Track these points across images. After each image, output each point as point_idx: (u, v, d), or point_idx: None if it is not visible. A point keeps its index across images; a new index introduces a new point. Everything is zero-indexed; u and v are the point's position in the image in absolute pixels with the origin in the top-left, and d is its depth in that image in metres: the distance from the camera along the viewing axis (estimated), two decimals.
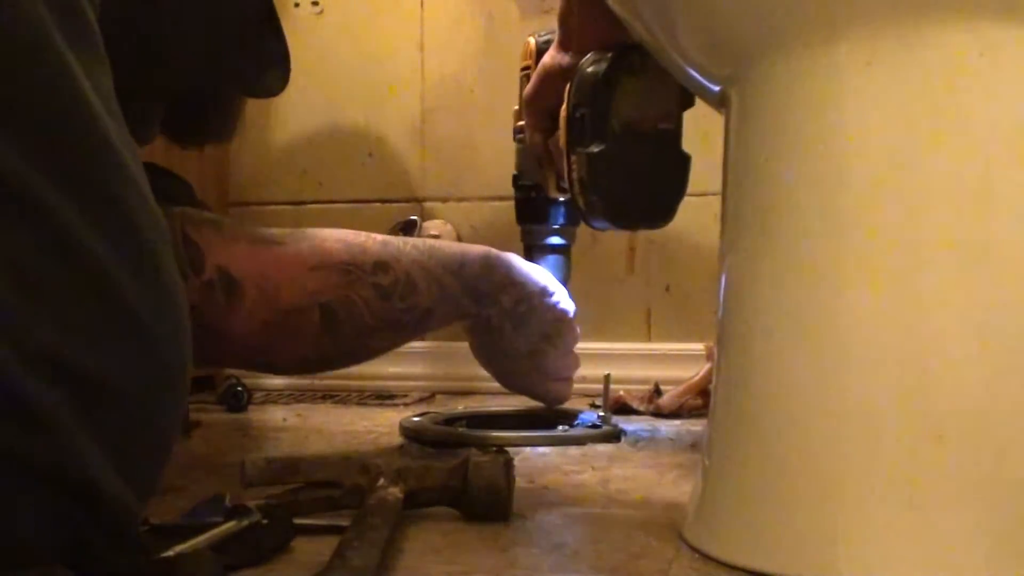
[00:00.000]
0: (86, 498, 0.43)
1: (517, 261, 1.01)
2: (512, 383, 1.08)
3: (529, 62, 1.08)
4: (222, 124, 1.26)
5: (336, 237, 0.91)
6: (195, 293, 0.82)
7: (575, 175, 0.88)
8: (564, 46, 0.96)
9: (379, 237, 0.94)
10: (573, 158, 0.88)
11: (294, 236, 0.90)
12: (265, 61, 1.01)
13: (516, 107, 1.11)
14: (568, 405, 1.09)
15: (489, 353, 1.05)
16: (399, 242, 0.94)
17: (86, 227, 0.44)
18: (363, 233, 0.94)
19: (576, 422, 1.04)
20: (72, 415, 0.42)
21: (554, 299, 1.02)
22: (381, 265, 0.91)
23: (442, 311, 0.96)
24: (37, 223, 0.42)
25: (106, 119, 0.47)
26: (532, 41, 1.08)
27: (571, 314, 1.05)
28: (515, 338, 1.01)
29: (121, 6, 0.52)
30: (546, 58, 0.99)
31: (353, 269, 0.89)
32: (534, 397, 1.07)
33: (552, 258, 1.09)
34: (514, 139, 1.11)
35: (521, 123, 1.07)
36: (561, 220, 1.10)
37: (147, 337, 0.47)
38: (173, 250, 0.51)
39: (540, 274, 1.03)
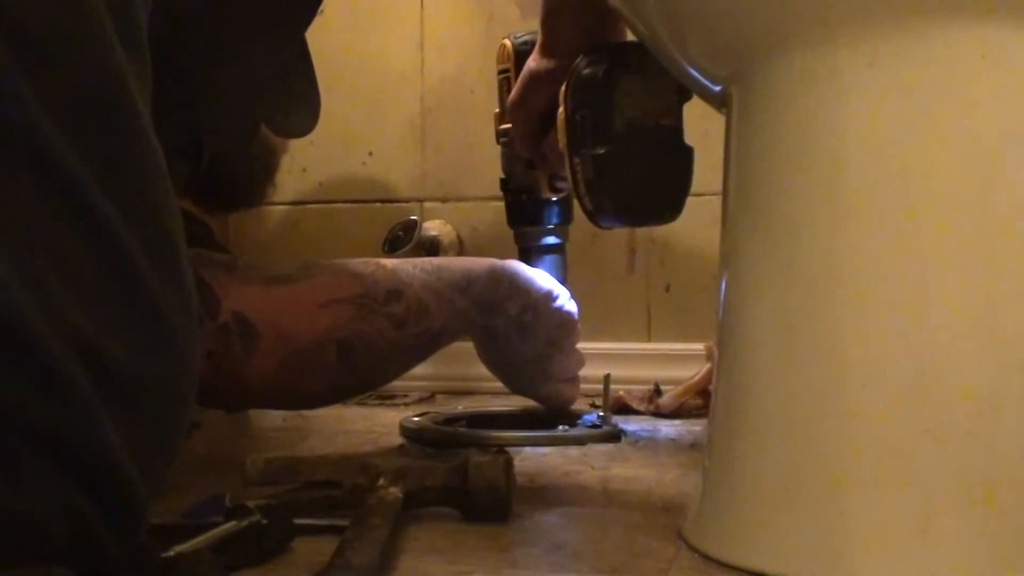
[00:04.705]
0: (101, 482, 0.43)
1: (521, 268, 1.01)
2: (519, 387, 1.07)
3: (507, 64, 1.07)
4: (252, 186, 1.27)
5: (347, 270, 0.91)
6: (211, 338, 0.81)
7: (580, 177, 0.88)
8: (549, 50, 0.96)
9: (388, 264, 0.93)
10: (576, 160, 0.88)
11: (305, 272, 0.89)
12: (297, 103, 1.02)
13: (496, 110, 1.11)
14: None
15: (496, 360, 1.05)
16: (408, 266, 0.94)
17: (123, 224, 0.45)
18: (372, 261, 0.93)
19: (578, 422, 1.04)
20: (98, 399, 0.43)
21: (558, 303, 1.02)
22: (393, 294, 0.90)
23: (452, 330, 0.96)
24: (81, 217, 0.43)
25: (149, 121, 0.48)
26: (509, 43, 1.08)
27: (576, 316, 1.04)
28: (521, 345, 1.01)
29: (162, 37, 0.52)
30: (530, 62, 0.98)
31: (366, 302, 0.89)
32: (541, 401, 1.07)
33: (549, 258, 1.10)
34: (497, 142, 1.11)
35: (505, 126, 1.07)
36: (555, 220, 1.10)
37: (168, 333, 0.47)
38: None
39: (543, 279, 1.02)
